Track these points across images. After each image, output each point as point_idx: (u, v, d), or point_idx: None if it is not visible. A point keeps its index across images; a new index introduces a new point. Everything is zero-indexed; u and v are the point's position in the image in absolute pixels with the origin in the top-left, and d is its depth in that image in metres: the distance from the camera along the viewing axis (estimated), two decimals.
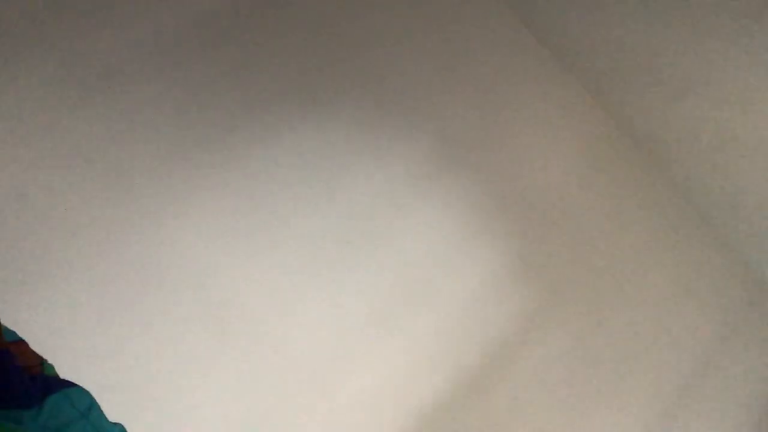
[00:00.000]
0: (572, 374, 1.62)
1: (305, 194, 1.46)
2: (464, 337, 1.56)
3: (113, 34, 1.31)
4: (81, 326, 1.19)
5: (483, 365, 1.56)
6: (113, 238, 1.25)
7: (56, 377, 0.83)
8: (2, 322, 0.82)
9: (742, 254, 1.77)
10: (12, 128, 1.19)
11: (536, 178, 1.72)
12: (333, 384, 1.39)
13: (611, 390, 1.63)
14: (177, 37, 1.38)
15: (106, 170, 1.29)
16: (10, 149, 1.19)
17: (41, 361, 0.83)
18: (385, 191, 1.54)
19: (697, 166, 1.56)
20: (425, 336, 1.52)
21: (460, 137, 1.64)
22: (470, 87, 1.68)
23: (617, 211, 1.75)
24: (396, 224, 1.54)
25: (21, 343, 0.83)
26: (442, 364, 1.52)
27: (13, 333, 0.83)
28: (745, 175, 1.47)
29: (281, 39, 1.49)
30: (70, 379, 0.82)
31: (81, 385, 0.82)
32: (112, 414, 0.86)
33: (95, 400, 0.83)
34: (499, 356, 1.57)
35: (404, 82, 1.62)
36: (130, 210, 1.29)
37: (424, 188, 1.58)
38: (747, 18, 1.08)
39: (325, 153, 1.50)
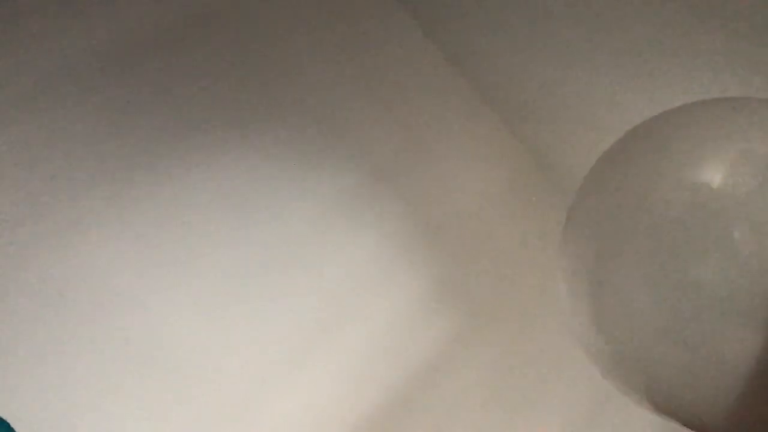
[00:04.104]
0: (497, 390, 1.68)
1: (229, 222, 1.45)
2: (390, 359, 1.59)
3: (36, 56, 1.29)
4: None
5: (409, 387, 1.59)
6: (27, 261, 1.20)
7: None
8: None
9: None
10: None
11: (457, 205, 1.79)
12: (257, 411, 1.38)
13: (535, 402, 1.70)
14: (92, 59, 1.36)
15: (19, 193, 1.25)
16: None
17: None
18: (310, 218, 1.55)
19: None
20: (351, 360, 1.53)
21: (384, 166, 1.69)
22: (395, 117, 1.74)
23: (532, 236, 1.84)
24: (321, 250, 1.56)
25: None
26: (368, 387, 1.53)
27: None
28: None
29: (204, 63, 1.49)
30: None
31: None
32: None
33: (13, 429, 0.80)
34: (424, 377, 1.61)
35: (330, 110, 1.65)
36: (41, 232, 1.24)
37: (348, 215, 1.61)
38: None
39: (249, 180, 1.50)
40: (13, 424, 0.80)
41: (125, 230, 1.32)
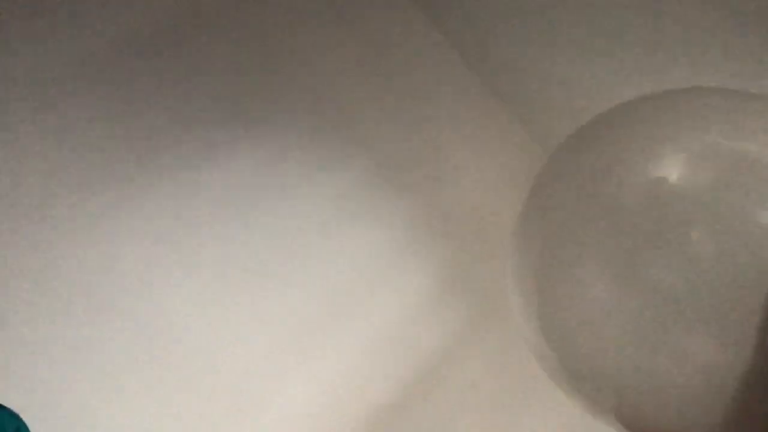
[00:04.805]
0: (505, 382, 1.64)
1: (237, 216, 1.46)
2: (397, 352, 1.57)
3: (35, 51, 1.32)
4: (3, 347, 1.18)
5: (417, 379, 1.57)
6: (33, 258, 1.24)
7: None
8: None
9: None
10: None
11: (465, 199, 1.76)
12: (264, 403, 1.39)
13: (543, 394, 1.65)
14: (99, 57, 1.39)
15: (29, 188, 1.29)
16: None
17: None
18: (318, 212, 1.55)
19: None
20: (358, 353, 1.53)
21: (393, 160, 1.67)
22: (403, 112, 1.71)
23: None
24: (329, 244, 1.55)
25: None
26: (375, 380, 1.53)
27: None
28: None
29: (211, 60, 1.50)
30: None
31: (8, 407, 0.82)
32: None
33: (23, 422, 0.83)
34: (432, 370, 1.59)
35: (338, 105, 1.64)
36: (48, 229, 1.28)
37: (357, 209, 1.60)
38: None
39: (257, 175, 1.50)
40: (22, 417, 0.82)
41: (133, 226, 1.35)
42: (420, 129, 1.72)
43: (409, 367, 1.57)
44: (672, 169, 0.63)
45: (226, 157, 1.46)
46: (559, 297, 0.67)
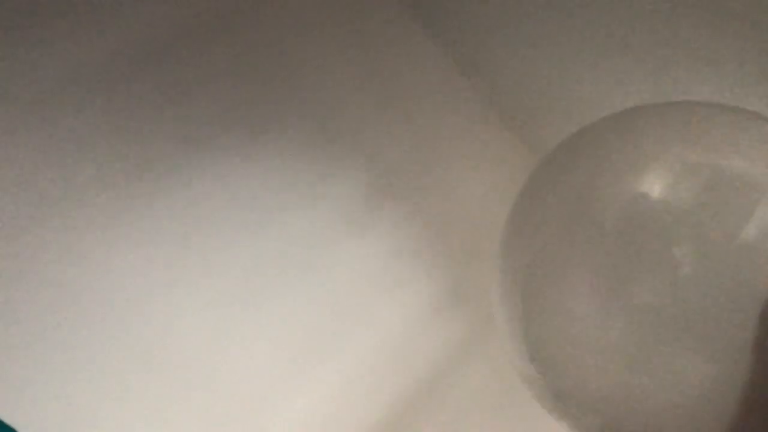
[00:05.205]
0: (508, 395, 1.62)
1: (237, 225, 1.47)
2: (400, 363, 1.56)
3: (41, 60, 1.34)
4: None
5: (419, 391, 1.56)
6: (33, 264, 1.25)
7: None
8: None
9: None
10: None
11: (467, 209, 1.75)
12: (264, 413, 1.39)
13: (544, 409, 1.63)
14: (99, 63, 1.40)
15: (26, 194, 1.30)
16: None
17: None
18: (319, 222, 1.55)
19: None
20: (360, 363, 1.52)
21: (394, 170, 1.66)
22: (404, 122, 1.70)
23: None
24: (330, 254, 1.55)
25: None
26: (378, 391, 1.52)
27: None
28: None
29: (213, 67, 1.51)
30: None
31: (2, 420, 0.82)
32: None
33: None
34: (435, 381, 1.58)
35: (339, 115, 1.64)
36: (48, 234, 1.29)
37: (358, 219, 1.60)
38: None
39: (258, 184, 1.51)
40: (17, 428, 0.82)
41: (133, 233, 1.35)
42: (422, 139, 1.71)
43: (411, 377, 1.57)
44: (655, 184, 0.62)
45: (227, 165, 1.47)
46: (544, 318, 0.66)
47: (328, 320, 1.50)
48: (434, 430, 1.58)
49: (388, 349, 1.56)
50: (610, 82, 1.28)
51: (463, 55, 1.67)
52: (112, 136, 1.37)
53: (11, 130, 1.29)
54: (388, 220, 1.63)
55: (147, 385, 1.29)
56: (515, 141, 1.81)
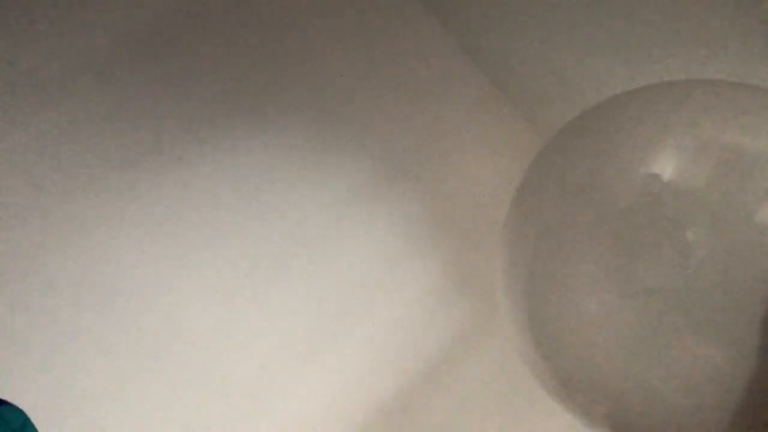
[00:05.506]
0: (511, 383, 1.62)
1: (243, 214, 1.45)
2: (403, 352, 1.56)
3: (44, 47, 1.32)
4: (6, 343, 1.18)
5: (423, 379, 1.56)
6: (38, 255, 1.25)
7: None
8: None
9: None
10: None
11: (472, 197, 1.73)
12: (269, 402, 1.38)
13: (545, 401, 1.62)
14: (104, 53, 1.38)
15: (32, 183, 1.29)
16: None
17: None
18: (324, 211, 1.54)
19: None
20: (363, 352, 1.51)
21: (399, 158, 1.65)
22: (411, 109, 1.68)
23: None
24: (335, 243, 1.54)
25: None
26: (381, 380, 1.51)
27: None
28: None
29: (220, 55, 1.49)
30: (0, 398, 0.81)
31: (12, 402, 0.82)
32: None
33: (28, 418, 0.82)
34: (438, 370, 1.57)
35: (346, 103, 1.62)
36: (54, 225, 1.28)
37: (363, 207, 1.58)
38: None
39: (264, 172, 1.49)
40: (28, 413, 0.82)
41: (139, 222, 1.34)
42: (428, 127, 1.69)
43: (417, 365, 1.56)
44: (665, 165, 0.60)
45: (234, 154, 1.45)
46: (550, 306, 0.64)
47: (333, 308, 1.49)
48: (440, 416, 1.58)
49: (389, 342, 1.55)
50: (615, 64, 1.26)
51: (470, 39, 1.65)
52: (119, 125, 1.35)
53: (9, 121, 1.28)
54: (394, 208, 1.61)
55: (153, 372, 1.28)
56: (522, 123, 1.78)
